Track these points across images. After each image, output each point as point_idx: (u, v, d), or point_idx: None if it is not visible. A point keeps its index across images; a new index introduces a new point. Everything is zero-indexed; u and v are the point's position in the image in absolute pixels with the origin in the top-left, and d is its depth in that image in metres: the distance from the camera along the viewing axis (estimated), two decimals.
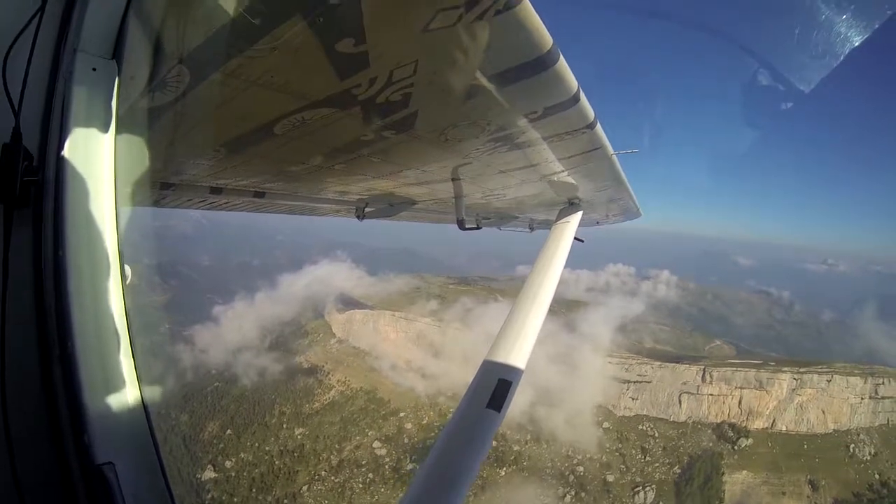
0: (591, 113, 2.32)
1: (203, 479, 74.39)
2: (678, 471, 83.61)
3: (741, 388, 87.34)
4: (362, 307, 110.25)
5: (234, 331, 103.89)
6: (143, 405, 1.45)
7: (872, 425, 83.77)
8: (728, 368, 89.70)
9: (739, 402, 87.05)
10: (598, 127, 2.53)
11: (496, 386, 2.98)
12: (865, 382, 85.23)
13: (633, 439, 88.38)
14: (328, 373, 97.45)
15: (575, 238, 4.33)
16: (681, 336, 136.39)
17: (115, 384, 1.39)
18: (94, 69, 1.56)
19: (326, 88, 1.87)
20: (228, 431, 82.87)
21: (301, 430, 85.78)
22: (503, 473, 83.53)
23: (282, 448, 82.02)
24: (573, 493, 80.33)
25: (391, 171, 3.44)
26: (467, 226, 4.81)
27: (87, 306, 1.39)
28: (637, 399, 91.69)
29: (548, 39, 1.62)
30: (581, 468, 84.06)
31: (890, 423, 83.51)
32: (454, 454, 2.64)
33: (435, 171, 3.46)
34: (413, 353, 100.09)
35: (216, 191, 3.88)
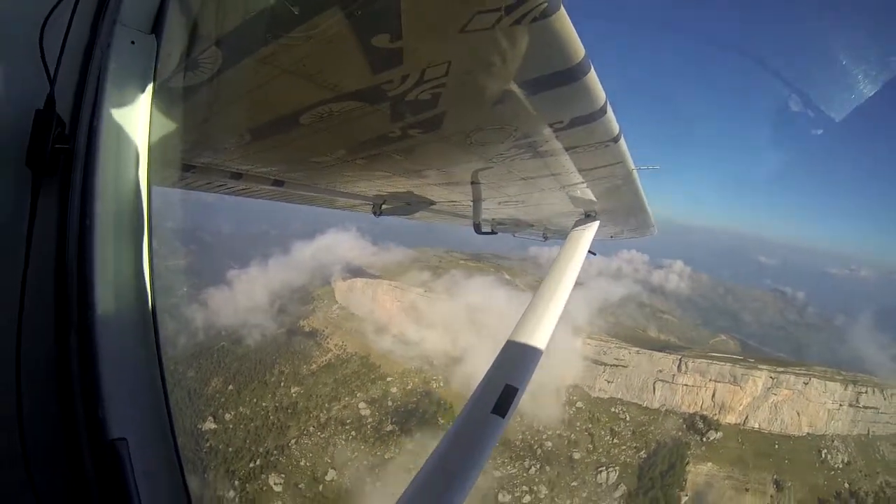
0: (616, 127, 2.19)
1: (204, 429, 78.34)
2: (644, 455, 79.73)
3: (715, 381, 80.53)
4: (366, 276, 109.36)
5: (246, 295, 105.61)
6: (162, 381, 1.29)
7: (850, 434, 75.38)
8: (704, 360, 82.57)
9: (713, 395, 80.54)
10: (622, 141, 2.37)
11: (502, 391, 2.79)
12: (846, 389, 76.21)
13: (604, 421, 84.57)
14: (327, 337, 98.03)
15: (588, 251, 4.08)
16: (686, 327, 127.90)
17: (134, 358, 1.24)
18: (132, 42, 1.43)
19: (358, 82, 1.79)
20: (230, 387, 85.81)
21: (297, 388, 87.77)
22: None
23: (277, 404, 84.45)
24: (538, 465, 78.71)
25: (413, 169, 3.24)
26: (483, 230, 4.61)
27: (110, 279, 1.25)
28: (612, 382, 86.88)
29: (580, 50, 1.56)
30: (549, 443, 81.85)
31: (871, 433, 74.78)
32: (456, 456, 2.50)
33: (456, 173, 3.28)
34: (405, 321, 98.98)
35: (237, 176, 3.59)
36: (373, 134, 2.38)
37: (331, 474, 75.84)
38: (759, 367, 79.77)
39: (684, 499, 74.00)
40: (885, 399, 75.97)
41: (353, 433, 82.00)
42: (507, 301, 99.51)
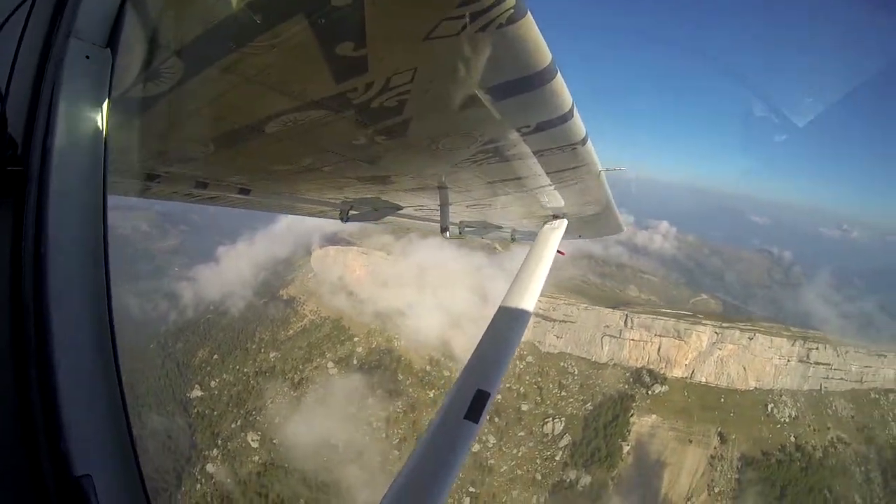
0: (582, 130, 2.09)
1: (191, 396, 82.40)
2: (590, 407, 74.80)
3: (660, 336, 71.83)
4: (341, 244, 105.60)
5: (233, 269, 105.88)
6: (125, 413, 1.14)
7: (800, 389, 65.33)
8: (648, 316, 73.29)
9: (658, 350, 72.25)
10: (589, 143, 2.26)
11: (474, 397, 2.62)
12: (793, 345, 65.39)
13: (553, 375, 79.28)
14: (303, 303, 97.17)
15: (557, 251, 3.91)
16: (668, 287, 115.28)
17: (96, 390, 1.09)
18: (87, 57, 1.28)
19: (322, 90, 1.65)
20: (215, 356, 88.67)
21: (275, 353, 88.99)
22: (431, 395, 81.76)
23: (257, 369, 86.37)
24: (487, 417, 76.41)
25: (379, 175, 3.05)
26: (450, 234, 4.27)
27: (69, 306, 1.10)
28: (561, 337, 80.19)
29: (547, 55, 1.46)
30: (499, 396, 78.23)
31: (823, 389, 64.11)
32: (430, 465, 2.36)
33: (423, 178, 3.12)
34: (372, 284, 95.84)
35: (202, 185, 3.32)
36: (338, 142, 2.22)
37: (301, 429, 78.01)
38: (704, 322, 69.71)
39: (626, 448, 69.55)
40: (838, 356, 64.38)
41: (322, 391, 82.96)
42: (471, 260, 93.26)
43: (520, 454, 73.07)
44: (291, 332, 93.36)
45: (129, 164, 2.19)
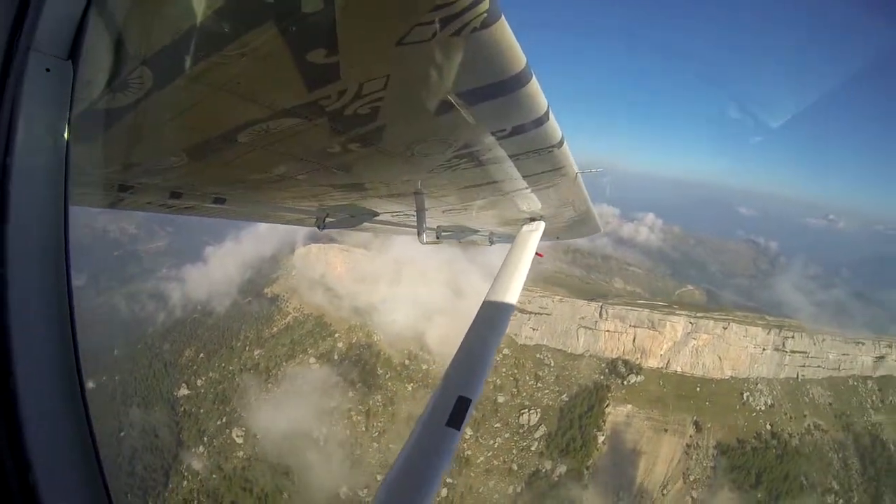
0: (558, 133, 2.05)
1: (178, 395, 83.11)
2: (566, 398, 73.12)
3: (635, 326, 69.15)
4: (323, 241, 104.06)
5: (220, 268, 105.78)
6: (93, 440, 1.08)
7: (777, 377, 62.26)
8: (622, 307, 70.45)
9: (633, 340, 69.68)
10: (565, 146, 2.22)
11: (455, 403, 2.58)
12: (769, 333, 62.14)
13: (529, 366, 77.47)
14: (286, 300, 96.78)
15: (536, 253, 3.89)
16: (653, 279, 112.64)
17: (63, 418, 1.04)
18: (47, 70, 1.23)
19: (294, 98, 1.60)
20: (201, 355, 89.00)
21: (259, 351, 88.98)
22: (410, 388, 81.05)
23: (242, 367, 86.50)
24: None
25: (355, 182, 2.99)
26: (427, 239, 4.13)
27: (32, 331, 1.05)
28: (537, 329, 78.06)
29: (521, 59, 1.44)
30: None
31: (800, 377, 60.95)
32: (414, 472, 2.33)
33: (399, 184, 3.06)
34: (352, 280, 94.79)
35: (176, 195, 3.25)
36: (312, 150, 2.16)
37: (284, 424, 78.18)
38: (678, 312, 66.69)
39: (601, 438, 67.89)
40: (814, 344, 61.03)
41: (305, 387, 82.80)
42: (447, 255, 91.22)
43: (496, 445, 72.08)
44: (275, 329, 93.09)
45: (100, 175, 2.11)
